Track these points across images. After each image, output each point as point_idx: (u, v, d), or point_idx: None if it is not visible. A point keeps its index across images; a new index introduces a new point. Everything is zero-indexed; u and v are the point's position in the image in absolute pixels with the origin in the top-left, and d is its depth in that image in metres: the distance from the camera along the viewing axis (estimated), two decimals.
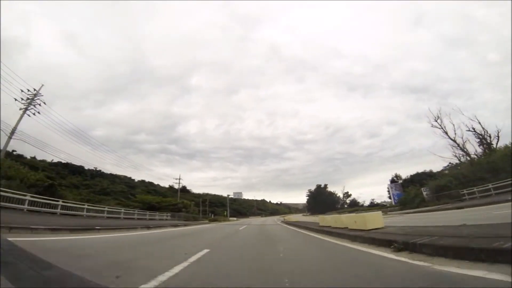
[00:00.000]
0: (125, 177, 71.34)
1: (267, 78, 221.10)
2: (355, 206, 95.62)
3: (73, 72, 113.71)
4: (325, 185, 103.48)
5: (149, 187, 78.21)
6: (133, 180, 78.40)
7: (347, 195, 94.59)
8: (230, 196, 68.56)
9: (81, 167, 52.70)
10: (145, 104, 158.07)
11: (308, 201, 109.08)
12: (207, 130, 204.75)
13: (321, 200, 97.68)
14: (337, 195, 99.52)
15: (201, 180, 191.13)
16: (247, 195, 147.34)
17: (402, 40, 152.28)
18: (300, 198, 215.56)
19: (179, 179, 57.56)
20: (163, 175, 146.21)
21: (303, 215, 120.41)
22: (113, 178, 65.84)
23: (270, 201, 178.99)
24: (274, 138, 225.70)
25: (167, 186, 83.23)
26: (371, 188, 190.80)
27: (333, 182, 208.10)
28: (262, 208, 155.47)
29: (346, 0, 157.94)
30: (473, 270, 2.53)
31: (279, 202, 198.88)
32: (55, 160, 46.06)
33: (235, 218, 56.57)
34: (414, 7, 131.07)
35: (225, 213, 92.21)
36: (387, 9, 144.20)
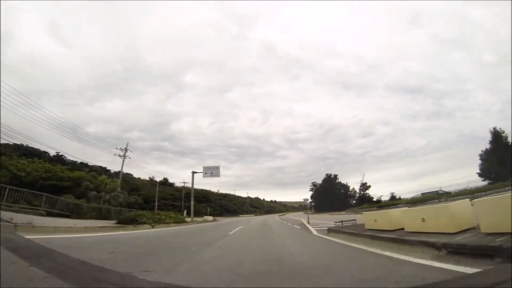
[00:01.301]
0: (100, 167, 60.77)
1: (262, 77, 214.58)
2: (369, 202, 75.29)
3: (66, 69, 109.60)
4: (335, 176, 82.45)
5: (126, 178, 64.54)
6: (108, 170, 62.87)
7: (364, 187, 73.62)
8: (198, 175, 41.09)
9: (37, 150, 44.02)
10: (139, 101, 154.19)
11: (313, 196, 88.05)
12: (200, 128, 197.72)
13: (332, 194, 76.60)
14: (352, 188, 78.73)
15: (194, 178, 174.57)
16: (240, 194, 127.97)
17: (397, 40, 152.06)
18: (294, 196, 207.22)
19: (125, 150, 35.22)
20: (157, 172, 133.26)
21: (304, 213, 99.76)
22: (80, 166, 50.81)
23: (264, 199, 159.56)
24: (268, 137, 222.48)
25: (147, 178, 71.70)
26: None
27: None
28: (256, 206, 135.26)
29: None
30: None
31: (274, 200, 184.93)
32: None
33: (210, 218, 34.23)
34: (410, 7, 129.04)
35: (207, 210, 70.16)
36: (383, 8, 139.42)
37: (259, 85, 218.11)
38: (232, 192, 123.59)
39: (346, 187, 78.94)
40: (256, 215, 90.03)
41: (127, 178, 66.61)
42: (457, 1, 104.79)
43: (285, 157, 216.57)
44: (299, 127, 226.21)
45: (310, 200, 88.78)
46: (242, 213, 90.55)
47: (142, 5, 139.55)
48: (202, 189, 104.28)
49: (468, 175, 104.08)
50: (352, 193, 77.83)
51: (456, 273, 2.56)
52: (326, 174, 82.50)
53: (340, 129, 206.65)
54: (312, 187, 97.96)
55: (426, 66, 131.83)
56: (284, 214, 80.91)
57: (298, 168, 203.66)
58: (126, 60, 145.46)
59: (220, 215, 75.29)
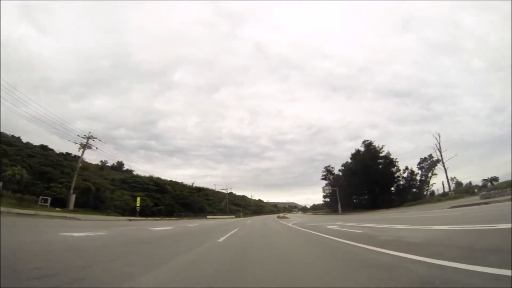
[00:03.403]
0: (45, 147, 44.74)
1: (251, 77, 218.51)
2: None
3: (54, 65, 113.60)
4: (374, 146, 48.66)
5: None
6: (50, 149, 44.98)
7: (431, 164, 40.39)
8: None
9: None
10: (126, 98, 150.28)
11: (332, 184, 54.23)
12: (187, 127, 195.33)
13: (376, 176, 43.05)
14: (405, 168, 45.45)
15: (180, 178, 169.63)
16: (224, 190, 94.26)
17: (388, 44, 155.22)
18: (282, 198, 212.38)
19: None
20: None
21: (314, 214, 66.46)
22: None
23: (252, 196, 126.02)
24: (255, 137, 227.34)
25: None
26: None
27: (314, 183, 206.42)
28: (241, 204, 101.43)
29: (335, 0, 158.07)
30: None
31: (261, 200, 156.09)
32: None
33: None
34: (402, 12, 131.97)
35: (137, 205, 35.43)
36: (376, 12, 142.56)
37: (248, 85, 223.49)
38: (212, 187, 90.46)
39: (392, 163, 45.28)
40: (238, 216, 55.11)
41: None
42: (449, 7, 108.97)
43: (272, 158, 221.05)
44: (287, 128, 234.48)
45: (329, 192, 54.95)
46: (216, 213, 55.05)
47: (132, 1, 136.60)
48: (171, 180, 70.52)
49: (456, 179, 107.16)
50: (409, 176, 44.57)
51: None
52: (364, 142, 48.46)
53: (328, 131, 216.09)
54: (325, 173, 64.30)
55: (416, 71, 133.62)
56: (284, 216, 47.16)
57: (285, 169, 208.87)
58: (114, 55, 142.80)
59: (167, 215, 39.77)
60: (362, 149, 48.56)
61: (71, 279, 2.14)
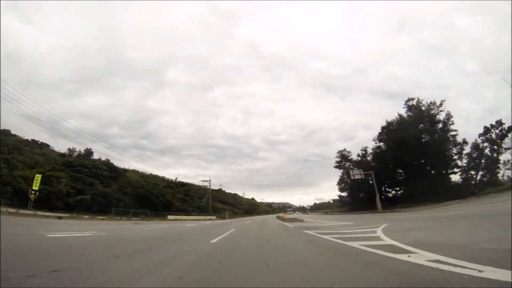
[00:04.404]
0: (7, 132, 39.03)
1: (244, 76, 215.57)
2: None
3: (47, 63, 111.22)
4: (428, 105, 33.53)
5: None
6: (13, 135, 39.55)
7: None
8: None
9: None
10: (119, 97, 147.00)
11: (364, 169, 39.33)
12: (180, 126, 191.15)
13: (426, 157, 28.32)
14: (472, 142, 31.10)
15: (172, 177, 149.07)
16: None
17: (384, 45, 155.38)
18: (275, 198, 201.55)
19: None
20: None
21: (326, 213, 51.45)
22: None
23: (244, 193, 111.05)
24: (247, 138, 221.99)
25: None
26: None
27: (307, 184, 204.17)
28: (231, 202, 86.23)
29: (331, 1, 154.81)
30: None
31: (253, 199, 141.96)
32: None
33: None
34: (398, 13, 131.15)
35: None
36: (372, 13, 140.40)
37: (241, 85, 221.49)
38: (200, 183, 75.06)
39: (445, 137, 30.54)
40: (223, 217, 39.57)
41: None
42: (444, 9, 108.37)
43: (265, 158, 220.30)
44: (280, 129, 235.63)
45: (360, 178, 38.43)
46: (190, 212, 39.08)
47: None
48: (153, 174, 55.05)
49: None
50: (474, 153, 30.13)
51: None
52: (407, 102, 33.11)
53: (322, 132, 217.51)
54: (339, 160, 49.61)
55: (411, 72, 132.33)
56: (295, 218, 31.61)
57: (278, 170, 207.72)
58: (108, 53, 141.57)
59: (99, 210, 23.60)
60: (419, 104, 32.99)
61: None
